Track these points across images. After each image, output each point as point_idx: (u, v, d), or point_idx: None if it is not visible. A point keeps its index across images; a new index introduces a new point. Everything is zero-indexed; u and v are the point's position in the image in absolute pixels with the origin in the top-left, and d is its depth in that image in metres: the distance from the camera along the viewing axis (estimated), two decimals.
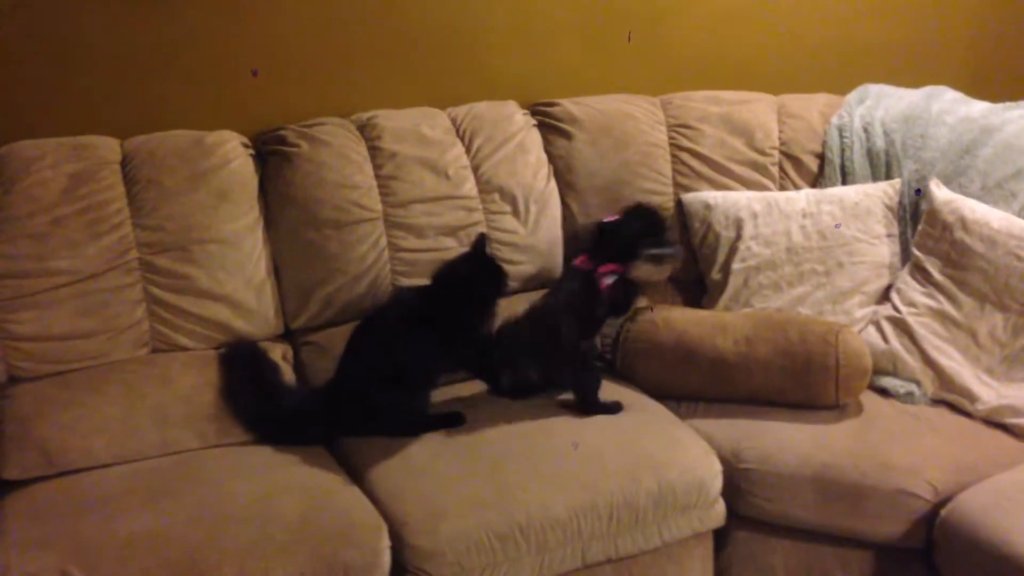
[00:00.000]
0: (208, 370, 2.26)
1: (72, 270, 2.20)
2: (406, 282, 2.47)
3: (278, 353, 2.37)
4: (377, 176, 2.47)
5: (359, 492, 2.03)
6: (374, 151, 2.49)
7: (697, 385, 2.40)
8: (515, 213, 2.59)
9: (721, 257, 2.67)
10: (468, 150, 2.58)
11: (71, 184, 2.23)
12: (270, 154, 2.44)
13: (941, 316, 2.46)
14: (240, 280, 2.34)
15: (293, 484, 2.02)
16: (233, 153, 2.38)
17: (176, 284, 2.28)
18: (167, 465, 2.08)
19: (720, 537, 2.26)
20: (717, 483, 2.18)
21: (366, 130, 2.51)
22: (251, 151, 2.44)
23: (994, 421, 2.31)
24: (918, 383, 2.42)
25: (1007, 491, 2.06)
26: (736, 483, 2.20)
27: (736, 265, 2.64)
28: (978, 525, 2.00)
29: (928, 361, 2.42)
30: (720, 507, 2.21)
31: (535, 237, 2.61)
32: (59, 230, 2.20)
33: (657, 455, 2.16)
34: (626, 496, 2.07)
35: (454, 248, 2.49)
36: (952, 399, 2.38)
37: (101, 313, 2.22)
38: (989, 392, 2.35)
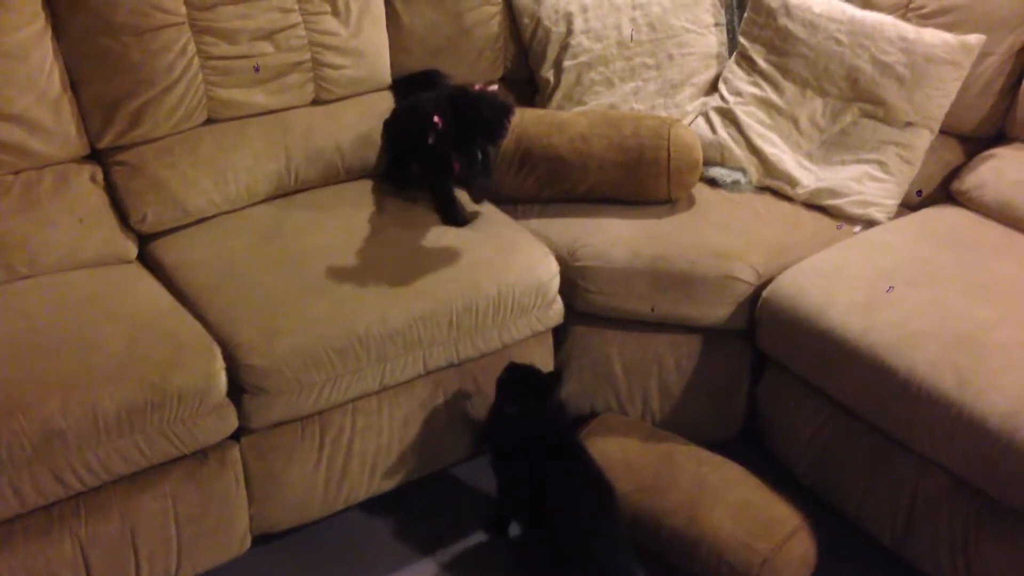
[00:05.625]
0: (8, 197, 2.08)
1: None
2: (221, 92, 2.30)
3: (86, 175, 2.20)
4: None
5: (187, 314, 1.96)
6: None
7: (534, 185, 2.39)
8: (335, 13, 2.41)
9: (552, 54, 2.60)
10: None
11: None
12: None
13: (765, 104, 2.51)
14: (32, 96, 2.11)
15: (115, 311, 1.93)
16: None
17: None
18: None
19: (558, 333, 2.32)
20: (555, 283, 2.22)
21: None
22: None
23: (813, 204, 2.42)
24: (744, 171, 2.48)
25: (822, 269, 2.18)
26: (572, 280, 2.24)
27: (568, 62, 2.59)
28: (796, 303, 2.12)
29: (753, 149, 2.48)
30: (558, 306, 2.26)
31: (359, 39, 2.46)
32: None
33: (495, 260, 2.17)
34: (465, 302, 2.08)
35: (271, 53, 2.33)
36: (775, 185, 2.47)
37: None
38: (808, 176, 2.43)
